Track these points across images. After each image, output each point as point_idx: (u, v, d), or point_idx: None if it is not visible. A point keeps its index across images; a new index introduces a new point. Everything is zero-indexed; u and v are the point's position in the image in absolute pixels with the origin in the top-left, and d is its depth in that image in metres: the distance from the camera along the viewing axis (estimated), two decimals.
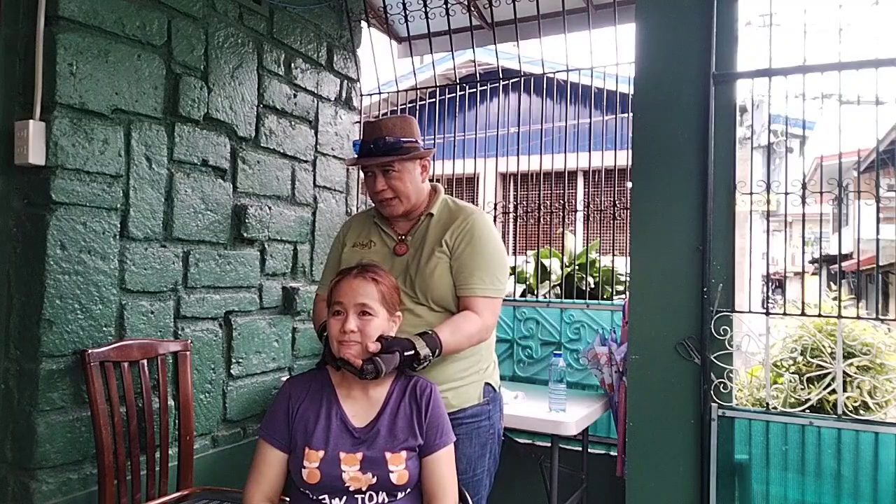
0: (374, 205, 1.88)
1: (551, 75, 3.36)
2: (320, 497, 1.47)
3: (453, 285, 1.74)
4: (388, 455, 1.48)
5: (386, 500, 1.48)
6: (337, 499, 1.46)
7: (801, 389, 2.31)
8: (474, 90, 3.68)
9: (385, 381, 1.57)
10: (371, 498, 1.47)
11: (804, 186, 2.13)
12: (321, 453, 1.47)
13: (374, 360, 1.48)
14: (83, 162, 2.15)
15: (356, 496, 1.46)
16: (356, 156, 1.82)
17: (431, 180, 1.93)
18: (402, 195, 1.76)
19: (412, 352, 1.55)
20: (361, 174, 2.51)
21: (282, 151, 3.02)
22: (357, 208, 3.54)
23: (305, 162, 3.18)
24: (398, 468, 1.48)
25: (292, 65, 3.09)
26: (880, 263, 2.28)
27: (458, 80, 3.68)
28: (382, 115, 2.00)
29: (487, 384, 1.82)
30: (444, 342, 1.62)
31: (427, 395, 1.56)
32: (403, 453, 1.49)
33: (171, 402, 2.42)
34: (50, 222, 2.07)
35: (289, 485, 1.55)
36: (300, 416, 1.52)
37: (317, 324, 1.84)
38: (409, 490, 1.51)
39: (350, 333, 1.47)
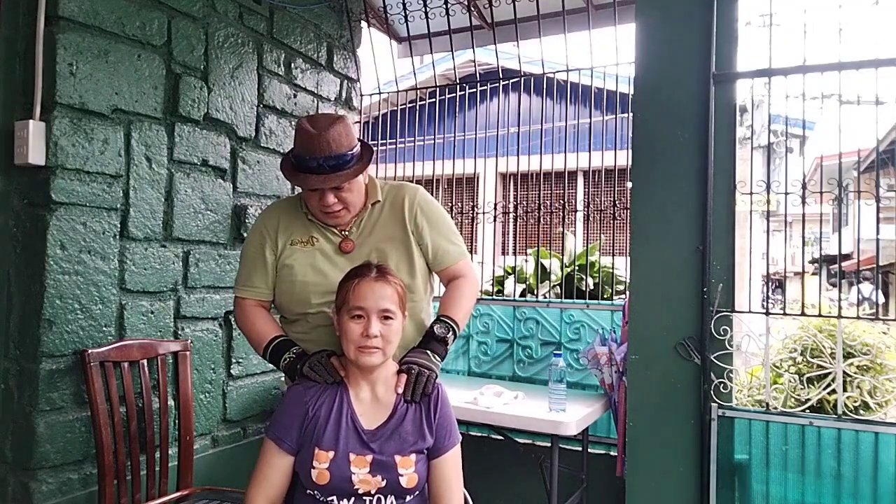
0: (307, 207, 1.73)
1: (551, 75, 3.35)
2: (328, 498, 1.45)
3: (425, 264, 1.75)
4: (397, 458, 1.47)
5: (394, 503, 1.47)
6: (345, 500, 1.44)
7: (801, 389, 2.31)
8: (474, 90, 3.68)
9: (393, 384, 1.55)
10: (379, 501, 1.46)
11: (804, 186, 2.13)
12: (331, 454, 1.45)
13: (419, 374, 1.54)
14: (83, 162, 2.15)
15: (364, 498, 1.45)
16: (293, 166, 1.65)
17: (431, 180, 1.91)
18: (351, 205, 1.68)
19: (437, 342, 1.63)
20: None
21: (282, 151, 3.02)
22: None
23: None
24: (408, 471, 1.46)
25: (292, 65, 3.09)
26: (880, 263, 2.28)
27: (458, 80, 3.68)
28: (315, 115, 1.76)
29: None
30: (452, 313, 1.69)
31: (435, 394, 1.55)
32: (413, 456, 1.48)
33: (171, 402, 2.42)
34: (50, 222, 2.07)
35: (293, 487, 1.53)
36: (313, 417, 1.49)
37: (255, 335, 1.71)
38: (417, 493, 1.50)
39: (374, 339, 1.45)
